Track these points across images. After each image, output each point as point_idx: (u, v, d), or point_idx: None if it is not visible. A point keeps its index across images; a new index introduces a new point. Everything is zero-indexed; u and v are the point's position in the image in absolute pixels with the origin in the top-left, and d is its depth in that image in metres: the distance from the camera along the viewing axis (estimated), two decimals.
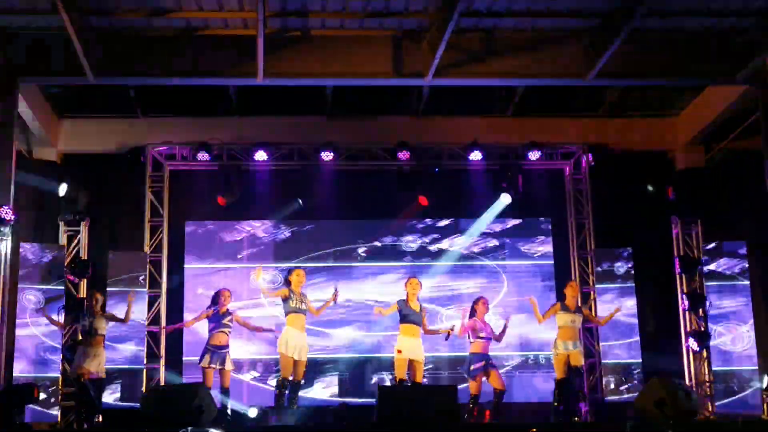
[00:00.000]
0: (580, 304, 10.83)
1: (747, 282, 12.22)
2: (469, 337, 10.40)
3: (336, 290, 10.19)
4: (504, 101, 12.59)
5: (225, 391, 10.12)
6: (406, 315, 10.09)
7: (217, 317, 10.25)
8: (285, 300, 10.06)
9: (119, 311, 10.53)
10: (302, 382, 10.17)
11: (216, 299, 10.38)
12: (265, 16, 9.30)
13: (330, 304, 10.28)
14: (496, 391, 10.26)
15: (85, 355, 9.94)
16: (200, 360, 10.18)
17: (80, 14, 9.31)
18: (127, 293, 10.71)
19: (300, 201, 12.41)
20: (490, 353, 10.44)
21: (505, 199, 12.51)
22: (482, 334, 10.33)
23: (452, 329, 10.26)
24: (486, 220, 12.73)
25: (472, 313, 10.50)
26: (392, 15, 9.81)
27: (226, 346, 10.21)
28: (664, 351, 12.22)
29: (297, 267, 10.65)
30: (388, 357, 11.34)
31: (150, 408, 7.86)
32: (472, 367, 10.25)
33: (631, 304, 12.26)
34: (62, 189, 11.79)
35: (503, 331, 10.52)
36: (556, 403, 10.31)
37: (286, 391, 9.88)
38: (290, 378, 9.87)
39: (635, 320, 12.28)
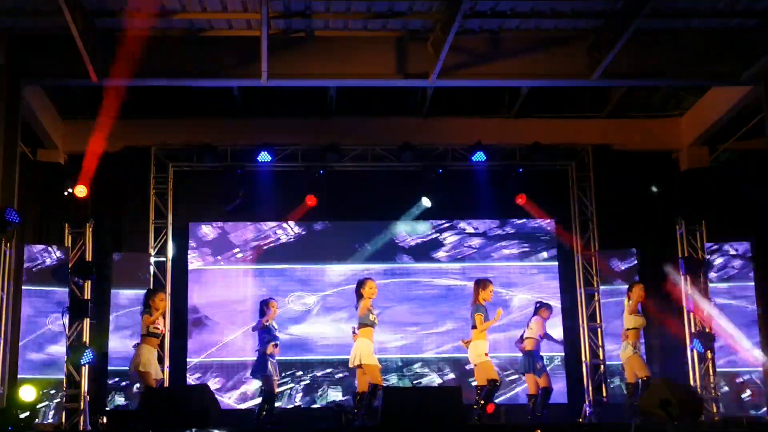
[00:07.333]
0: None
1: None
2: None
3: None
4: (508, 102, 12.58)
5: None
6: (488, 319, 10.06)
7: (267, 328, 10.20)
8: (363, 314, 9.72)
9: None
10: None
11: (264, 309, 10.29)
12: (269, 17, 9.29)
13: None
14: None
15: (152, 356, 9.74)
16: (263, 370, 10.08)
17: (84, 16, 9.32)
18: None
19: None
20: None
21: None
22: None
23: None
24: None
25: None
26: (396, 16, 9.81)
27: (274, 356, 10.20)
28: (668, 352, 12.19)
29: (368, 279, 10.01)
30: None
31: (154, 409, 7.86)
32: (539, 365, 10.76)
33: None
34: None
35: None
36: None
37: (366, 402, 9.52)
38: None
39: None
